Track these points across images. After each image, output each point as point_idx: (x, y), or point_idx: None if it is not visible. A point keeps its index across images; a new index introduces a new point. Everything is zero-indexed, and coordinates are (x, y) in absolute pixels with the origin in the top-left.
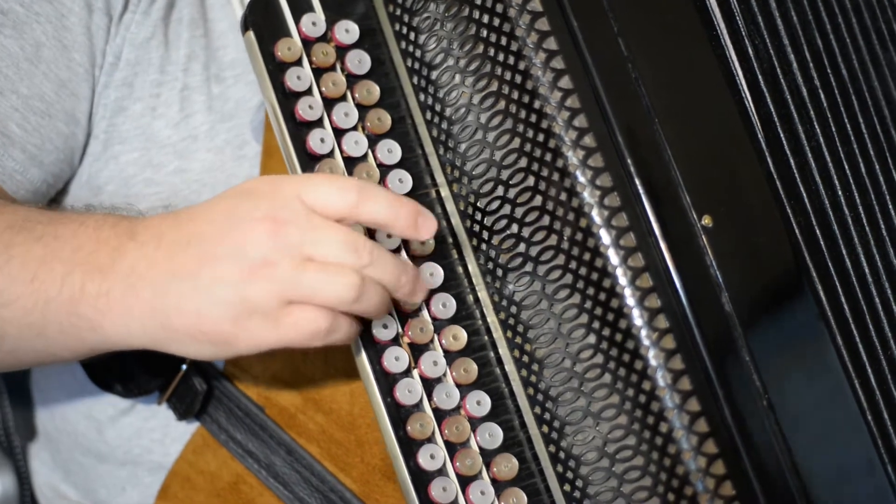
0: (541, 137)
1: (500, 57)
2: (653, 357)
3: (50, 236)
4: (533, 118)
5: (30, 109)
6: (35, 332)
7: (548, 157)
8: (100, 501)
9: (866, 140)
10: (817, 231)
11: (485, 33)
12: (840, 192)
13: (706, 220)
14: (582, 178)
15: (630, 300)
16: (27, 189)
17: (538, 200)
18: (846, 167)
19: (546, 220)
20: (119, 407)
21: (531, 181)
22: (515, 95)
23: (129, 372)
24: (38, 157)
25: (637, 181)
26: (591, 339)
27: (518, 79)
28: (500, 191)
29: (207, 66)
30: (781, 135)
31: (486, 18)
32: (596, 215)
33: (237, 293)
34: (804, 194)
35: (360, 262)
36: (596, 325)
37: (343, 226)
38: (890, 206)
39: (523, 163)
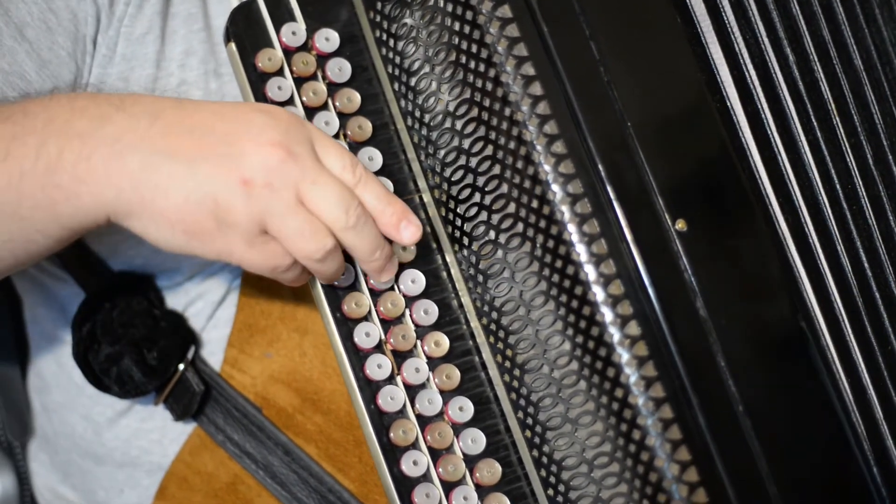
0: (512, 145)
1: (472, 64)
2: (625, 364)
3: (19, 114)
4: (504, 125)
5: (10, 86)
6: (9, 212)
7: (519, 164)
8: (98, 503)
9: (879, 129)
10: (809, 228)
11: (457, 41)
12: (839, 186)
13: (680, 225)
14: (553, 185)
15: (601, 307)
16: None
17: (512, 208)
18: (850, 159)
19: (520, 227)
20: (117, 408)
21: (504, 188)
22: (487, 103)
23: (126, 372)
24: None
25: (608, 187)
26: (567, 346)
27: (489, 86)
28: (476, 197)
29: (206, 61)
30: (771, 131)
31: (457, 26)
32: (567, 222)
33: (230, 198)
34: (795, 191)
35: (345, 222)
36: (570, 332)
37: (340, 180)
38: None
39: (497, 170)
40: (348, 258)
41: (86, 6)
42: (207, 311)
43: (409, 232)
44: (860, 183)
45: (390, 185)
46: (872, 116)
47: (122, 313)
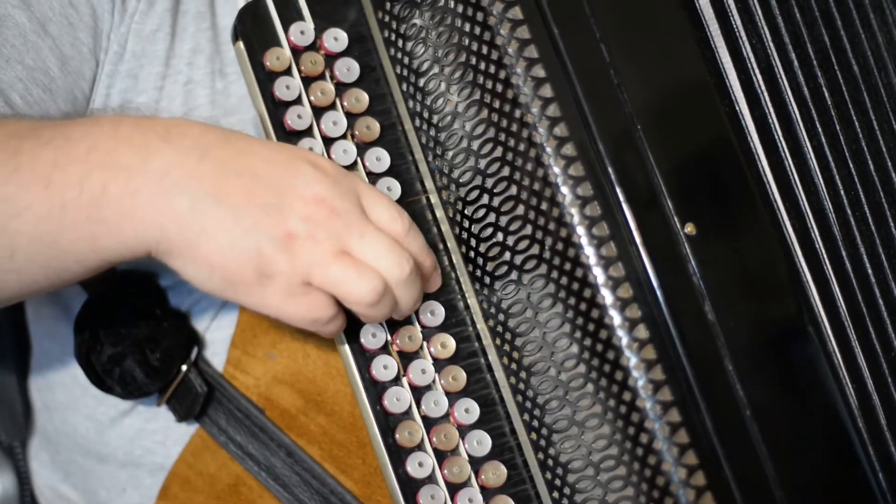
0: (522, 147)
1: (482, 66)
2: (633, 367)
3: (61, 139)
4: (514, 128)
5: (34, 82)
6: (48, 241)
7: (529, 166)
8: (100, 503)
9: (878, 136)
10: (815, 233)
11: (467, 41)
12: (843, 192)
13: (689, 229)
14: (562, 188)
15: (610, 310)
16: None
17: (521, 210)
18: (852, 165)
19: (528, 229)
20: (120, 408)
21: (514, 190)
22: (497, 105)
23: (128, 373)
24: None
25: (618, 189)
26: (574, 348)
27: (499, 88)
28: (485, 199)
29: (212, 60)
30: (778, 136)
31: (467, 27)
32: (576, 224)
33: (272, 250)
34: (801, 196)
35: (399, 275)
36: (578, 334)
37: (388, 235)
38: None
39: (506, 172)
40: None
41: (103, 2)
42: (211, 311)
43: (434, 282)
44: (861, 189)
45: (398, 185)
46: (871, 123)
47: (125, 313)
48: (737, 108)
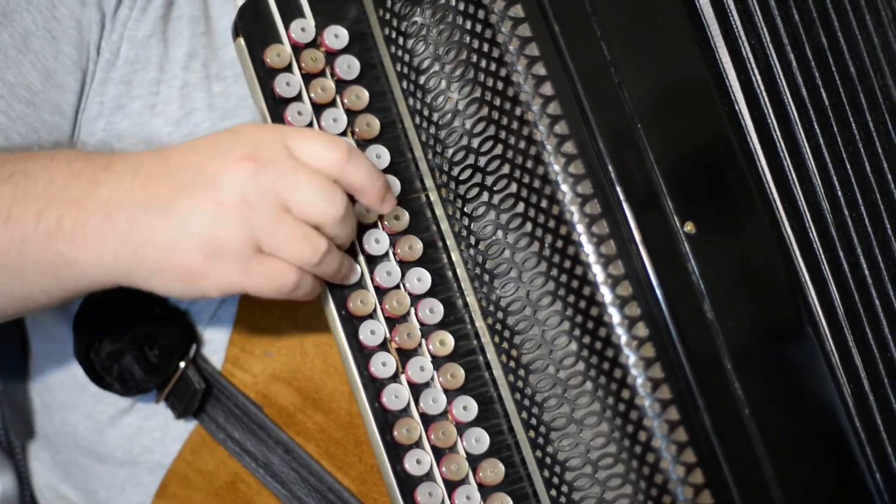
0: (522, 144)
1: (483, 63)
2: (632, 365)
3: (20, 173)
4: (514, 125)
5: (15, 97)
6: (11, 273)
7: (529, 164)
8: (99, 502)
9: (874, 137)
10: (812, 234)
11: (468, 39)
12: (840, 193)
13: (689, 227)
14: (562, 186)
15: (609, 308)
16: None
17: (521, 207)
18: (849, 167)
19: (528, 227)
20: (119, 407)
21: (514, 188)
22: (498, 102)
23: (127, 370)
24: (23, 146)
25: (618, 188)
26: (573, 346)
27: (500, 85)
28: (485, 196)
29: (208, 65)
30: (777, 136)
31: (469, 24)
32: (576, 223)
33: (209, 227)
34: (799, 196)
35: (335, 214)
36: (577, 332)
37: (319, 173)
38: None
39: (506, 169)
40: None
41: (90, 13)
42: (209, 309)
43: (389, 203)
44: (858, 190)
45: (397, 182)
46: (868, 125)
47: (123, 311)
48: (736, 107)
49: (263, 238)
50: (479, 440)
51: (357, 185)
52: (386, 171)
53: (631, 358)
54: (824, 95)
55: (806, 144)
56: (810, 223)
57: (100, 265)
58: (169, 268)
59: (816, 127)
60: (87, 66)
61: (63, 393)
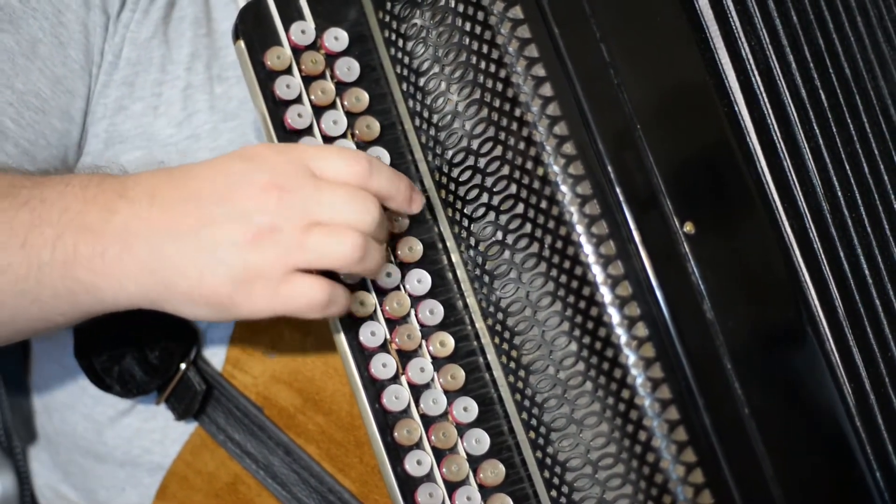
0: (521, 145)
1: (483, 65)
2: (632, 365)
3: (36, 200)
4: (514, 126)
5: (24, 105)
6: (29, 298)
7: (529, 165)
8: (99, 502)
9: (870, 139)
10: (813, 234)
11: (468, 41)
12: (840, 194)
13: (688, 227)
14: (562, 186)
15: (609, 308)
16: None
17: (520, 208)
18: (848, 168)
19: (528, 228)
20: (118, 408)
21: (513, 189)
22: (497, 103)
23: (127, 372)
24: (32, 152)
25: (617, 188)
26: (573, 346)
27: (500, 87)
28: (484, 197)
29: (210, 66)
30: (776, 137)
31: (468, 26)
32: (575, 223)
33: (241, 257)
34: (800, 197)
35: (371, 220)
36: (577, 333)
37: (345, 184)
38: (895, 206)
39: (506, 170)
40: None
41: (95, 16)
42: None
43: (417, 203)
44: (857, 191)
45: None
46: (864, 126)
47: (123, 312)
48: (736, 108)
49: (297, 256)
50: (480, 441)
51: (383, 193)
52: None
53: (631, 358)
54: (823, 97)
55: (806, 145)
56: (810, 223)
57: (122, 292)
58: (198, 297)
59: (816, 128)
60: (92, 70)
61: (63, 393)
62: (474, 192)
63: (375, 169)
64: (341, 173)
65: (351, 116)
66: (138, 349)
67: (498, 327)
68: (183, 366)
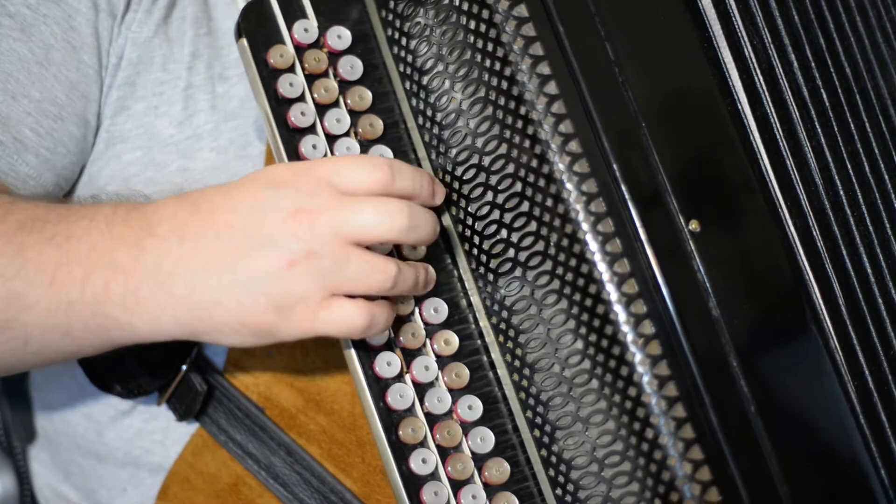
0: (527, 143)
1: (487, 63)
2: (638, 363)
3: (62, 236)
4: (519, 124)
5: (42, 113)
6: (60, 332)
7: (534, 162)
8: (100, 502)
9: (870, 138)
10: (816, 232)
11: (472, 39)
12: (842, 192)
13: (693, 225)
14: (568, 184)
15: (615, 306)
16: (40, 193)
17: (525, 206)
18: (849, 166)
19: (533, 225)
20: (119, 408)
21: (518, 187)
22: (502, 101)
23: (128, 372)
24: (52, 160)
25: (623, 186)
26: (579, 344)
27: (504, 84)
28: (489, 196)
29: (211, 65)
30: (779, 135)
31: (473, 24)
32: (581, 221)
33: (280, 285)
34: (802, 195)
35: (402, 225)
36: (583, 330)
37: (371, 196)
38: (895, 205)
39: (510, 168)
40: None
41: (104, 19)
42: None
43: (440, 194)
44: (859, 190)
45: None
46: (864, 125)
47: None
48: (739, 107)
49: (335, 282)
50: (485, 439)
51: (409, 192)
52: None
53: (637, 355)
54: (825, 96)
55: (808, 144)
56: (813, 221)
57: (157, 327)
58: (240, 327)
59: (818, 127)
60: (104, 73)
61: (63, 393)
62: (478, 191)
63: (397, 171)
64: (364, 183)
65: (354, 115)
66: (140, 350)
67: (502, 325)
68: (184, 366)
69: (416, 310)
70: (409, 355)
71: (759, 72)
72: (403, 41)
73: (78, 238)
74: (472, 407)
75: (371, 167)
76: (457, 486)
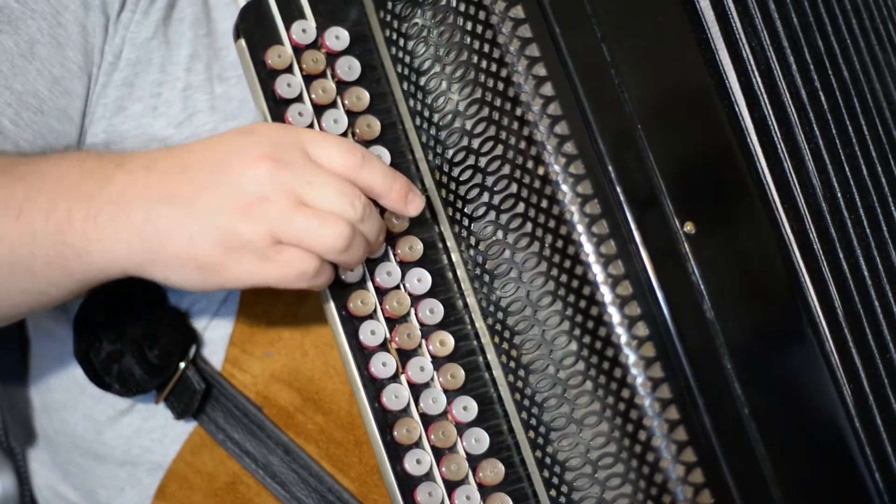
0: (522, 145)
1: (484, 64)
2: (632, 365)
3: (33, 174)
4: (515, 125)
5: (23, 105)
6: (23, 268)
7: (529, 164)
8: (99, 502)
9: (868, 141)
10: (812, 235)
11: (469, 40)
12: (840, 195)
13: (688, 227)
14: (563, 186)
15: (609, 308)
16: None
17: (521, 208)
18: (847, 169)
19: (529, 227)
20: (118, 407)
21: (514, 188)
22: (498, 103)
23: (127, 371)
24: (30, 152)
25: (618, 188)
26: (573, 346)
27: (500, 86)
28: (485, 196)
29: (210, 66)
30: (777, 138)
31: (469, 25)
32: (576, 223)
33: (230, 223)
34: (800, 198)
35: (353, 215)
36: (577, 332)
37: (336, 174)
38: (892, 208)
39: (506, 170)
40: None
41: (94, 17)
42: (210, 309)
43: (414, 205)
44: (857, 192)
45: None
46: (861, 127)
47: (123, 311)
48: (736, 109)
49: (282, 229)
50: (479, 440)
51: (375, 188)
52: None
53: (631, 357)
54: (823, 98)
55: (805, 146)
56: (810, 224)
57: (112, 257)
58: (188, 260)
59: (816, 129)
60: (92, 71)
61: (62, 393)
62: (475, 192)
63: (368, 164)
64: (334, 162)
65: (351, 115)
66: (138, 348)
67: (498, 326)
68: (182, 365)
69: (413, 311)
70: (405, 356)
71: (757, 74)
72: (401, 42)
73: (48, 173)
74: (467, 408)
75: (346, 149)
76: (451, 486)
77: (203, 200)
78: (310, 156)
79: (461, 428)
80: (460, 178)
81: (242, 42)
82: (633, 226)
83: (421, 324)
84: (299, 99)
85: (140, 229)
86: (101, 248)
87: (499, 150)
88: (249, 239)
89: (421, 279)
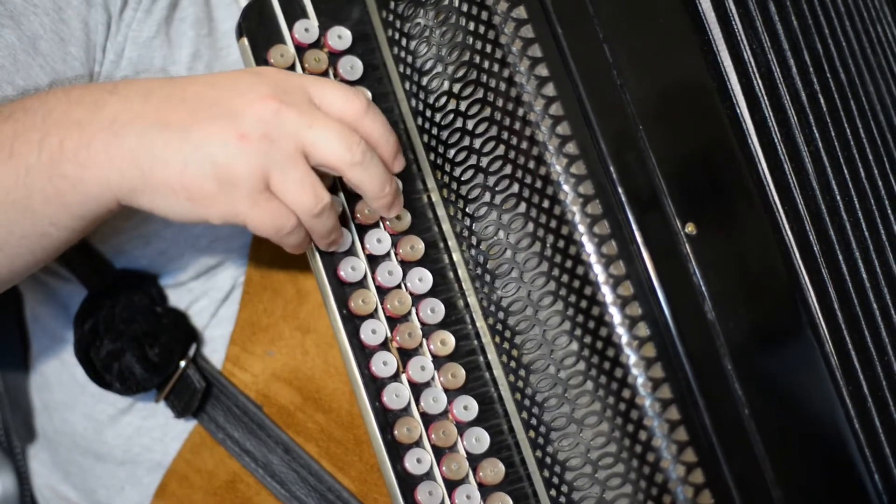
0: (524, 145)
1: (486, 64)
2: (633, 365)
3: (19, 112)
4: (517, 125)
5: None
6: (20, 208)
7: (531, 164)
8: (99, 501)
9: (865, 144)
10: (812, 236)
11: (471, 40)
12: (839, 197)
13: (690, 228)
14: (564, 186)
15: (610, 308)
16: None
17: (522, 208)
18: (845, 172)
19: (530, 227)
20: (118, 406)
21: (515, 188)
22: (500, 103)
23: (127, 369)
24: None
25: (619, 189)
26: (574, 346)
27: (503, 86)
28: (487, 197)
29: (212, 66)
30: (777, 139)
31: (472, 26)
32: (577, 223)
33: (227, 155)
34: (799, 199)
35: (350, 159)
36: (578, 332)
37: (340, 119)
38: (889, 211)
39: (508, 169)
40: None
41: (97, 14)
42: (210, 308)
43: (399, 162)
44: (855, 195)
45: (399, 183)
46: (858, 130)
47: (123, 309)
48: (737, 111)
49: (276, 176)
50: (480, 440)
51: (374, 137)
52: None
53: (632, 358)
54: (822, 101)
55: (805, 149)
56: (810, 226)
57: (105, 183)
58: (179, 188)
59: (816, 132)
60: (93, 68)
61: (62, 392)
62: (476, 191)
63: (371, 111)
64: (338, 106)
65: None
66: (138, 346)
67: (499, 326)
68: (182, 363)
69: (414, 310)
70: (406, 355)
71: (757, 76)
72: (403, 42)
73: (34, 109)
74: (467, 407)
75: (350, 96)
76: (451, 486)
77: (202, 130)
78: (313, 99)
79: (461, 427)
80: (462, 178)
81: (245, 41)
82: (634, 226)
83: (422, 323)
84: None
85: (133, 153)
86: (94, 174)
87: (500, 150)
88: (242, 177)
89: (422, 278)
